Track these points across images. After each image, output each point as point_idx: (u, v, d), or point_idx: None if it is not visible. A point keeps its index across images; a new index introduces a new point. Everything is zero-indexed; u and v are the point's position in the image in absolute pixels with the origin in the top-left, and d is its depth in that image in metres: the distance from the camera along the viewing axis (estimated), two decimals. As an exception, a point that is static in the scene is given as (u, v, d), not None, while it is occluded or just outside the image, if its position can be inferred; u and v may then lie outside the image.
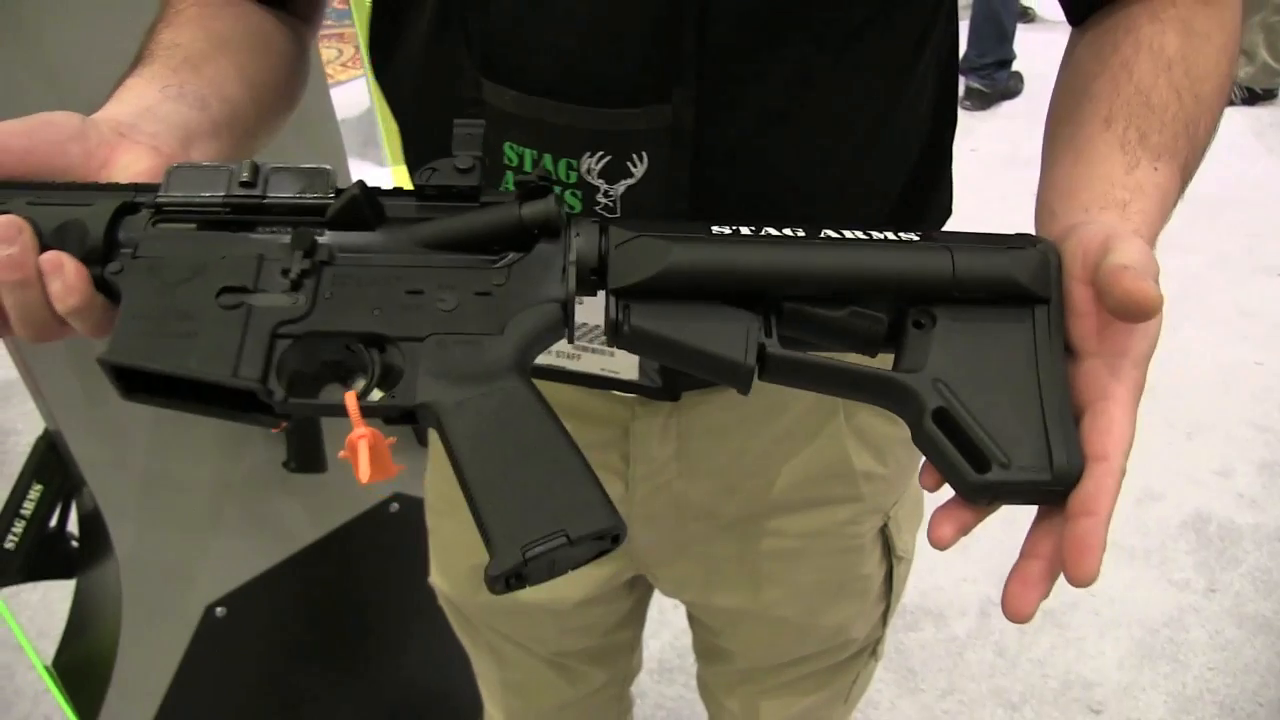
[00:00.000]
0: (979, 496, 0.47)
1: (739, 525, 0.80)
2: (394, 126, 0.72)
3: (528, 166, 0.61)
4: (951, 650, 1.89)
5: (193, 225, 0.51)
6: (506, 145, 0.61)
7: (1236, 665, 1.82)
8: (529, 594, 0.88)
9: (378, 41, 0.69)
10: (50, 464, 1.28)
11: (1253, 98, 3.96)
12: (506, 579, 0.46)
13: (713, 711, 1.09)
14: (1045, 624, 1.92)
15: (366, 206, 0.51)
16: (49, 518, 1.31)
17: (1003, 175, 3.39)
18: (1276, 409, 2.44)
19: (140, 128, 0.56)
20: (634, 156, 0.59)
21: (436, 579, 1.00)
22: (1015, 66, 4.18)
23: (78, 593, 1.34)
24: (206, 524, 1.27)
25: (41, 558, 1.31)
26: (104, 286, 0.50)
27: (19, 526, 1.31)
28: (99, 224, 0.50)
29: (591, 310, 0.54)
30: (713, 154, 0.60)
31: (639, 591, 0.98)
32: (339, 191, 0.51)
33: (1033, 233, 0.53)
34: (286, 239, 0.50)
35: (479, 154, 0.51)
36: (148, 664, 1.28)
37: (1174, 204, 0.56)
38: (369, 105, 3.70)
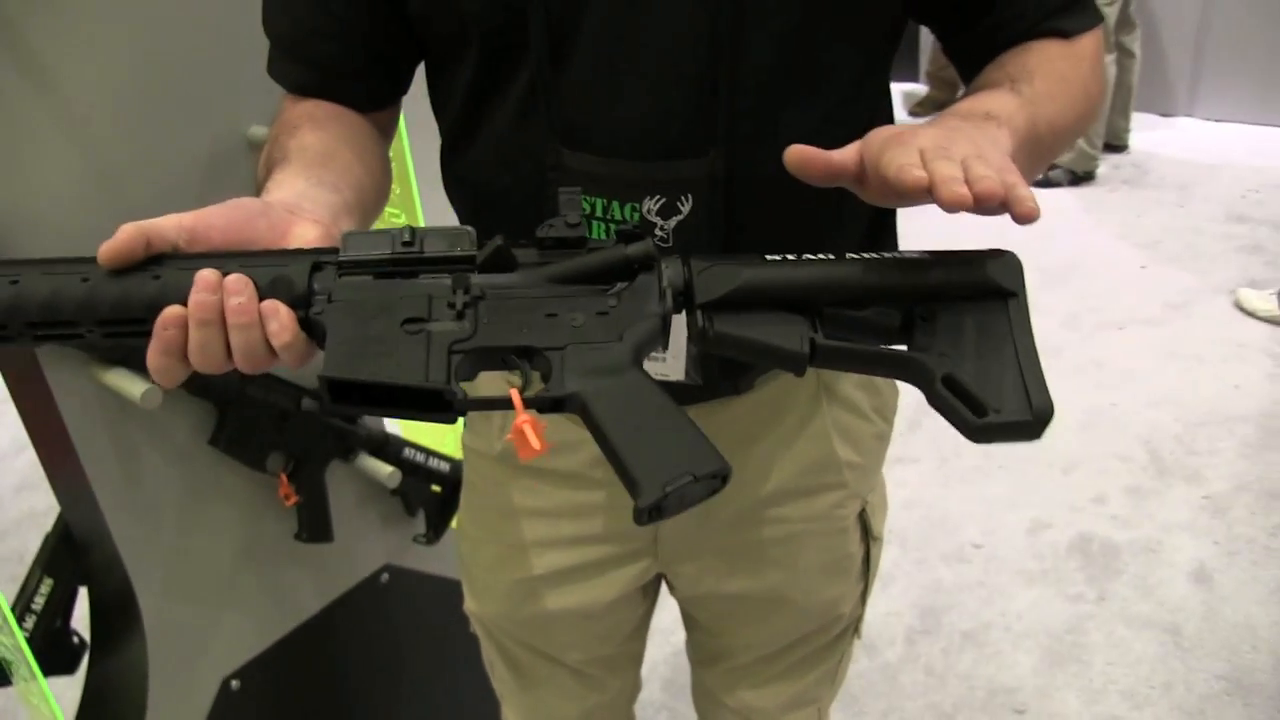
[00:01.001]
0: (981, 436, 0.63)
1: (751, 513, 0.98)
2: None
3: (599, 212, 0.80)
4: (886, 676, 2.07)
5: (370, 276, 0.66)
6: (581, 197, 0.80)
7: (1130, 658, 2.06)
8: (566, 601, 1.03)
9: (456, 134, 0.87)
10: (61, 557, 1.36)
11: (1075, 180, 4.44)
12: (649, 511, 0.60)
13: (711, 716, 1.24)
14: (965, 644, 2.13)
15: (507, 254, 0.67)
16: (58, 613, 1.37)
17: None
18: (1133, 441, 2.76)
19: (303, 207, 0.71)
20: (682, 198, 0.79)
21: (471, 605, 1.13)
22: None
23: (95, 678, 1.39)
24: (223, 596, 1.35)
25: (49, 654, 1.36)
26: (305, 326, 0.64)
27: (30, 621, 1.36)
28: (301, 278, 0.65)
29: None
30: (740, 192, 0.80)
31: (649, 600, 1.14)
32: (479, 245, 0.67)
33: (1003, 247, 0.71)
34: (446, 282, 0.66)
35: (581, 212, 0.68)
36: (166, 742, 1.34)
37: (1031, 131, 0.73)
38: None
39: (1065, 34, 0.81)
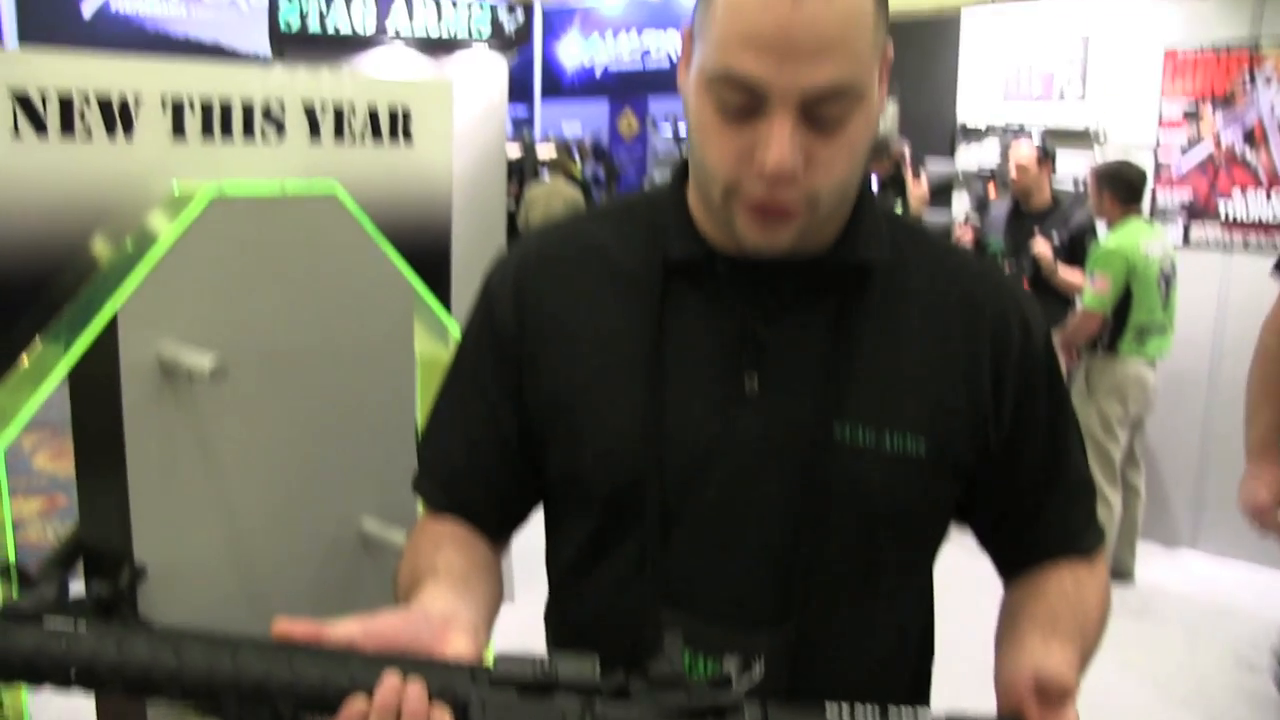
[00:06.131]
0: None
1: None
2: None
3: (685, 661, 0.90)
4: None
5: (514, 690, 0.75)
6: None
7: None
8: None
9: (566, 583, 1.02)
10: None
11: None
12: None
13: None
14: None
15: (626, 685, 0.76)
16: None
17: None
18: None
19: (458, 619, 0.83)
20: (756, 659, 0.91)
21: None
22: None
23: None
24: None
25: None
26: None
27: None
28: (465, 688, 0.75)
29: None
30: (803, 658, 0.93)
31: None
32: (603, 673, 0.77)
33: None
34: (575, 705, 0.75)
35: (679, 659, 0.78)
36: None
37: (1080, 668, 0.91)
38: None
39: (1085, 551, 1.03)
